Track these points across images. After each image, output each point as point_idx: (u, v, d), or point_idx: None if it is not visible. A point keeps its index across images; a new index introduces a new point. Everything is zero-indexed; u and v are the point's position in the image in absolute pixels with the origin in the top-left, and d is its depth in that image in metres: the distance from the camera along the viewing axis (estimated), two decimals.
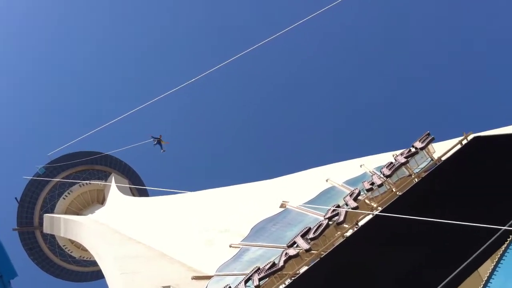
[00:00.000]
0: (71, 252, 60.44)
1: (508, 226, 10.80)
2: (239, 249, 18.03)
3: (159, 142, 49.83)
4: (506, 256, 10.00)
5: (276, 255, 15.85)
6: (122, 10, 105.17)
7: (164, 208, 38.41)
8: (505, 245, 10.04)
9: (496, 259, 10.94)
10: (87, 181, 59.26)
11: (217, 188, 34.30)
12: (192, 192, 35.50)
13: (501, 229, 10.47)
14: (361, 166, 20.29)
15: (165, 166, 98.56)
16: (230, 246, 18.73)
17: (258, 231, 18.69)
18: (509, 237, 10.09)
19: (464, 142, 16.93)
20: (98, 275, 59.46)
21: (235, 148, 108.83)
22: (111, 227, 39.13)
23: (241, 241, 18.56)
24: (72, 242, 58.01)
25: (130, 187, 58.22)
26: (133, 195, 58.30)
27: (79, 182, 59.13)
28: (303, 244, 15.42)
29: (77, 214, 57.13)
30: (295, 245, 15.72)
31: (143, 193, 60.24)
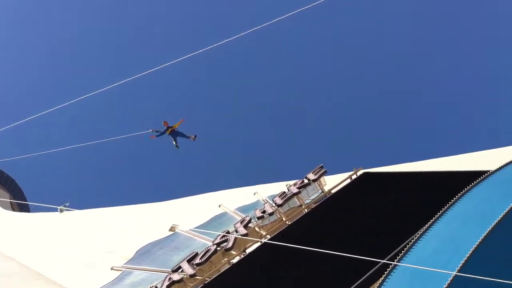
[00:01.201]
0: None
1: (387, 260, 11.09)
2: (121, 272, 17.11)
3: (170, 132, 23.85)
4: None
5: (159, 280, 15.20)
6: None
7: (47, 226, 36.05)
8: (382, 277, 10.27)
9: None
10: None
11: (107, 208, 32.88)
12: (81, 211, 33.74)
13: (379, 262, 10.74)
14: (254, 193, 20.36)
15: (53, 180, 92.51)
16: (112, 269, 17.74)
17: (143, 254, 17.91)
18: (387, 270, 10.34)
19: (354, 176, 17.53)
20: None
21: (126, 169, 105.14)
22: None
23: (124, 264, 17.67)
24: None
25: (10, 202, 54.23)
26: (13, 210, 54.29)
27: None
28: (188, 269, 14.92)
29: None
30: (180, 270, 15.17)
31: (25, 209, 56.34)
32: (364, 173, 17.23)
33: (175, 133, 21.26)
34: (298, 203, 17.99)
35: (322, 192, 18.13)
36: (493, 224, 9.24)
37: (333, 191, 17.52)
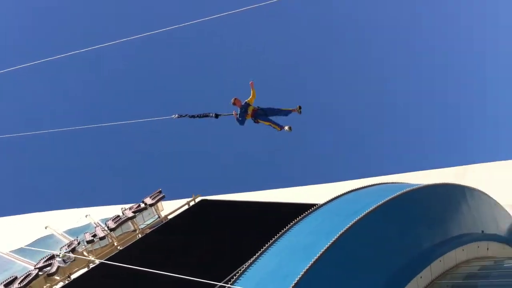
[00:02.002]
0: None
1: (224, 282, 11.08)
2: None
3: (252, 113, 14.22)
4: None
5: None
6: None
7: None
8: None
9: None
10: None
11: None
12: None
13: (216, 284, 10.69)
14: (86, 216, 19.32)
15: None
16: None
17: None
18: None
19: (192, 203, 17.47)
20: None
21: None
22: None
23: None
24: None
25: None
26: None
27: None
28: None
29: None
30: None
31: None
32: (202, 200, 17.27)
33: (261, 113, 13.36)
34: (132, 228, 17.42)
35: (159, 217, 17.78)
36: (316, 256, 9.71)
37: (169, 217, 17.25)
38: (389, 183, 15.75)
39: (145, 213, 17.82)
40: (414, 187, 13.00)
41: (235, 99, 13.08)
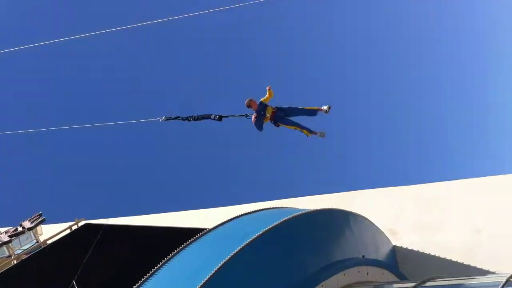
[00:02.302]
0: None
1: None
2: None
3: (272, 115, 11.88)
4: None
5: None
6: None
7: None
8: None
9: None
10: None
11: None
12: None
13: None
14: None
15: None
16: None
17: None
18: None
19: (75, 227, 16.60)
20: None
21: None
22: None
23: None
24: None
25: None
26: None
27: None
28: None
29: None
30: None
31: None
32: (86, 224, 16.44)
33: (281, 115, 11.30)
34: (7, 253, 16.16)
35: (37, 242, 16.67)
36: (201, 283, 9.51)
37: (49, 242, 16.20)
38: (279, 207, 15.99)
39: (22, 237, 16.66)
40: (301, 212, 13.25)
41: (251, 100, 11.18)
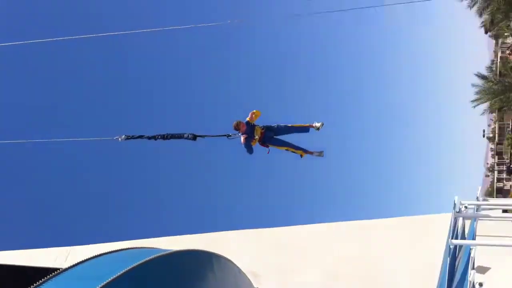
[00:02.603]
0: None
1: None
2: None
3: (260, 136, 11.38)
4: None
5: None
6: None
7: None
8: None
9: None
10: None
11: None
12: None
13: None
14: None
15: None
16: None
17: None
18: None
19: None
20: None
21: None
22: None
23: None
24: None
25: None
26: None
27: None
28: None
29: None
30: None
31: None
32: None
33: (271, 135, 10.51)
34: None
35: None
36: None
37: None
38: (139, 247, 15.42)
39: None
40: (164, 252, 12.91)
41: (239, 122, 10.42)
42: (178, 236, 19.66)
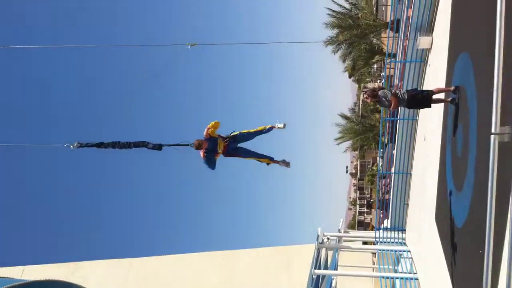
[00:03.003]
0: None
1: None
2: None
3: (224, 147, 9.92)
4: None
5: None
6: None
7: None
8: None
9: None
10: None
11: None
12: None
13: None
14: None
15: None
16: None
17: None
18: None
19: None
20: None
21: None
22: None
23: None
24: None
25: None
26: None
27: None
28: None
29: None
30: None
31: None
32: None
33: (234, 146, 9.65)
34: None
35: None
36: None
37: None
38: None
39: None
40: (20, 282, 11.96)
41: (199, 142, 9.50)
42: (29, 266, 18.25)
